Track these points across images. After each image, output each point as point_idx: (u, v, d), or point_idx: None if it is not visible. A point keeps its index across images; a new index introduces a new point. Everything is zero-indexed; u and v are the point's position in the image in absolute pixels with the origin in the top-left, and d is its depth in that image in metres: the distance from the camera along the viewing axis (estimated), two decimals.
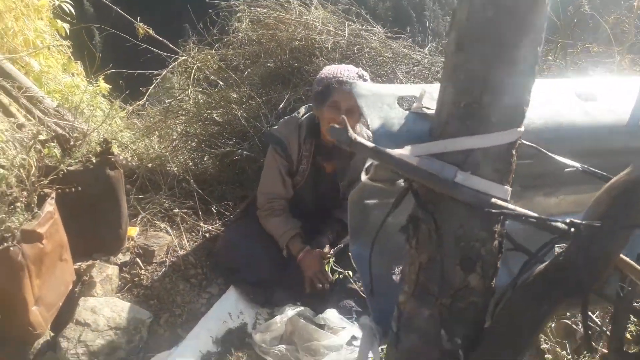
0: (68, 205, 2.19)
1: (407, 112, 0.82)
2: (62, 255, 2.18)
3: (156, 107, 3.99)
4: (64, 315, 2.23)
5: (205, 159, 3.55)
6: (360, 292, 2.54)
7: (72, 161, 2.17)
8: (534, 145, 0.78)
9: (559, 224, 0.67)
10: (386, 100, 0.82)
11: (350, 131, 0.72)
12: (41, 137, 2.11)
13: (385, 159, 0.70)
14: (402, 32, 3.68)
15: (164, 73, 3.55)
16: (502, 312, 0.74)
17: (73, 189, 2.01)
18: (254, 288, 2.61)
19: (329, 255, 2.06)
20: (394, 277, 0.92)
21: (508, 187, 0.73)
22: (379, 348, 0.84)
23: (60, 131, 2.28)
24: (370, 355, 0.83)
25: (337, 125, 2.53)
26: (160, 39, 4.09)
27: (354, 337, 2.33)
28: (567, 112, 0.90)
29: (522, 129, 0.73)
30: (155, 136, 3.62)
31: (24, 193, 1.83)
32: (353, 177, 2.85)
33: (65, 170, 2.14)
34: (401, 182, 0.84)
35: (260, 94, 3.35)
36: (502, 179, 0.73)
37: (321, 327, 2.37)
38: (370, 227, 0.95)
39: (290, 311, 2.40)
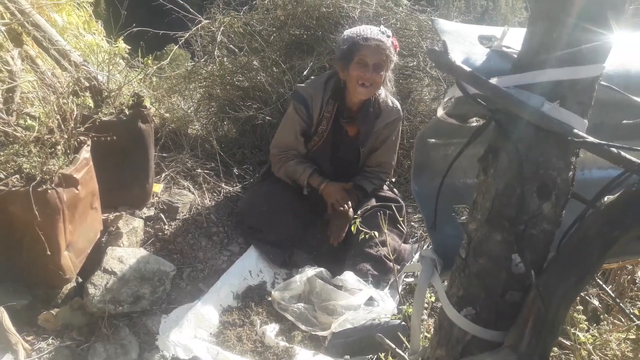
0: (99, 156, 2.22)
1: (488, 50, 0.85)
2: (93, 203, 2.22)
3: (176, 71, 3.98)
4: (91, 263, 2.28)
5: (225, 122, 3.57)
6: (376, 257, 2.60)
7: (107, 111, 2.19)
8: (611, 86, 0.81)
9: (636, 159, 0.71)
10: (468, 38, 0.85)
11: (450, 54, 0.76)
12: (78, 85, 2.13)
13: (481, 83, 0.74)
14: (429, 5, 3.68)
15: (187, 35, 3.55)
16: (570, 240, 0.79)
17: (108, 138, 2.03)
18: (273, 248, 2.67)
19: (355, 217, 2.11)
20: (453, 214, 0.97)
21: (586, 121, 0.77)
22: (440, 278, 0.89)
23: (93, 82, 2.30)
24: (431, 283, 0.89)
25: (366, 84, 2.56)
26: (182, 2, 4.06)
27: (371, 298, 2.39)
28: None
29: (604, 65, 0.77)
30: (176, 98, 3.64)
31: (65, 136, 1.86)
32: (375, 145, 2.86)
33: (100, 120, 2.16)
34: (473, 120, 0.88)
35: (284, 61, 3.36)
36: (583, 113, 0.77)
37: (338, 288, 2.43)
38: (431, 166, 0.99)
39: (310, 271, 2.46)
